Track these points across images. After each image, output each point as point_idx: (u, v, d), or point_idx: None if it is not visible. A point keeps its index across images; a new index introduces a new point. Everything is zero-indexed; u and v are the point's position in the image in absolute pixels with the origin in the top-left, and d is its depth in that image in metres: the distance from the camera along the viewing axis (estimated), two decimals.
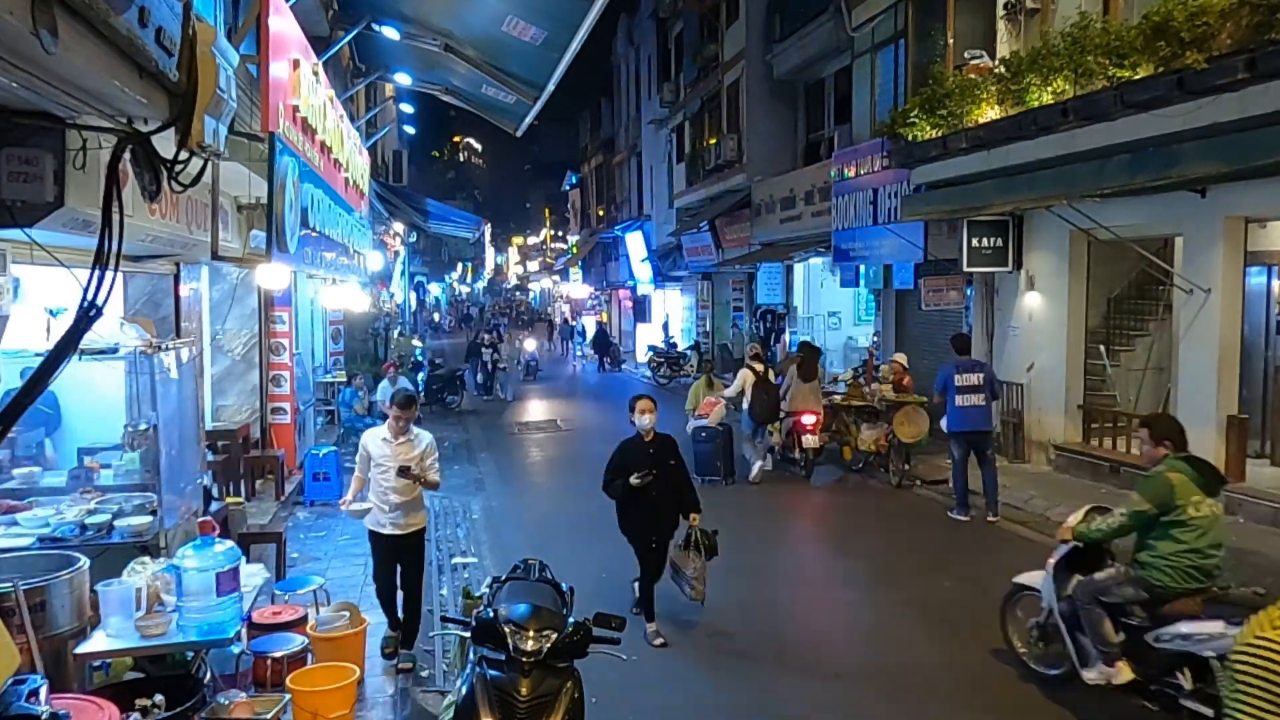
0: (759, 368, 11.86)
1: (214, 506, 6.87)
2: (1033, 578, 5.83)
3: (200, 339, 8.46)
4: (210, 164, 4.04)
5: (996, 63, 10.83)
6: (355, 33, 12.31)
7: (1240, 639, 2.52)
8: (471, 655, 3.86)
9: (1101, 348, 11.46)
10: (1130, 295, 11.64)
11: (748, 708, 5.59)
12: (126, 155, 3.19)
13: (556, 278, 54.30)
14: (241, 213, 7.95)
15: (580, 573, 6.52)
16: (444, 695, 4.95)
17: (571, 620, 3.80)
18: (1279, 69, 6.98)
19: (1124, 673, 4.98)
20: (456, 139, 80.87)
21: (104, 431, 6.57)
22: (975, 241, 11.62)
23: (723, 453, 11.65)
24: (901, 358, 12.35)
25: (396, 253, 22.65)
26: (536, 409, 20.02)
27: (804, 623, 7.00)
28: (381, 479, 5.89)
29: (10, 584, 3.93)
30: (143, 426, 6.01)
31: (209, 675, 4.60)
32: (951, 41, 12.16)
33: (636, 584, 6.81)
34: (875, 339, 16.25)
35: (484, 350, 21.85)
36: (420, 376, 19.53)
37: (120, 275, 4.54)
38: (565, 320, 40.84)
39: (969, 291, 12.84)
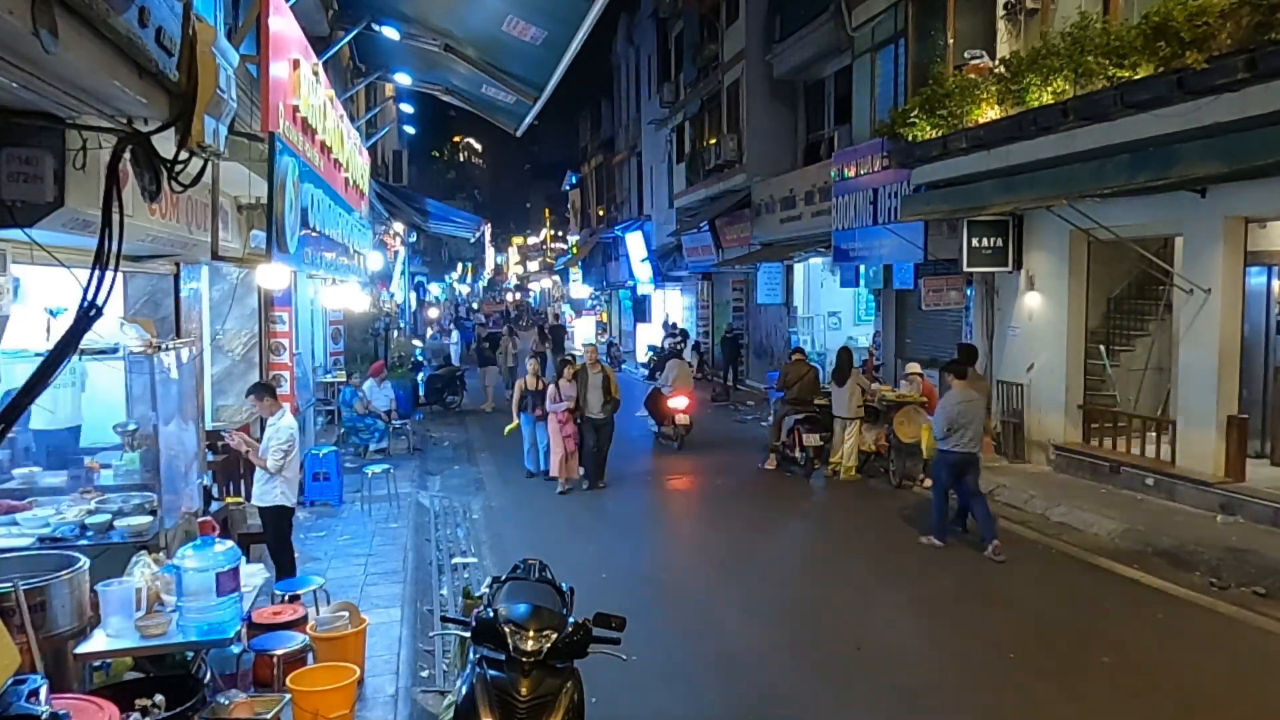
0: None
1: (214, 506, 6.87)
2: None
3: (200, 339, 8.46)
4: (210, 164, 4.04)
5: (996, 63, 10.83)
6: (355, 33, 12.30)
7: None
8: (471, 655, 3.86)
9: (1101, 348, 11.46)
10: (1130, 295, 11.64)
11: (747, 707, 5.59)
12: (126, 155, 3.19)
13: (557, 278, 54.28)
14: (241, 213, 7.95)
15: (580, 573, 6.53)
16: (444, 695, 4.95)
17: (571, 620, 3.79)
18: (1279, 69, 6.98)
19: None
20: (456, 139, 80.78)
21: (104, 431, 6.57)
22: (975, 241, 11.62)
23: None
24: (916, 367, 12.18)
25: (396, 253, 22.63)
26: None
27: (804, 622, 6.99)
28: None
29: (10, 584, 3.93)
30: (131, 426, 6.01)
31: (209, 675, 4.59)
32: (951, 41, 12.16)
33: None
34: (876, 339, 16.25)
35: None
36: (420, 376, 19.51)
37: (120, 275, 4.54)
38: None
39: (969, 291, 12.84)
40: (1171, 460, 9.76)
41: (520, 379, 12.57)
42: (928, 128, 11.41)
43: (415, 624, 6.72)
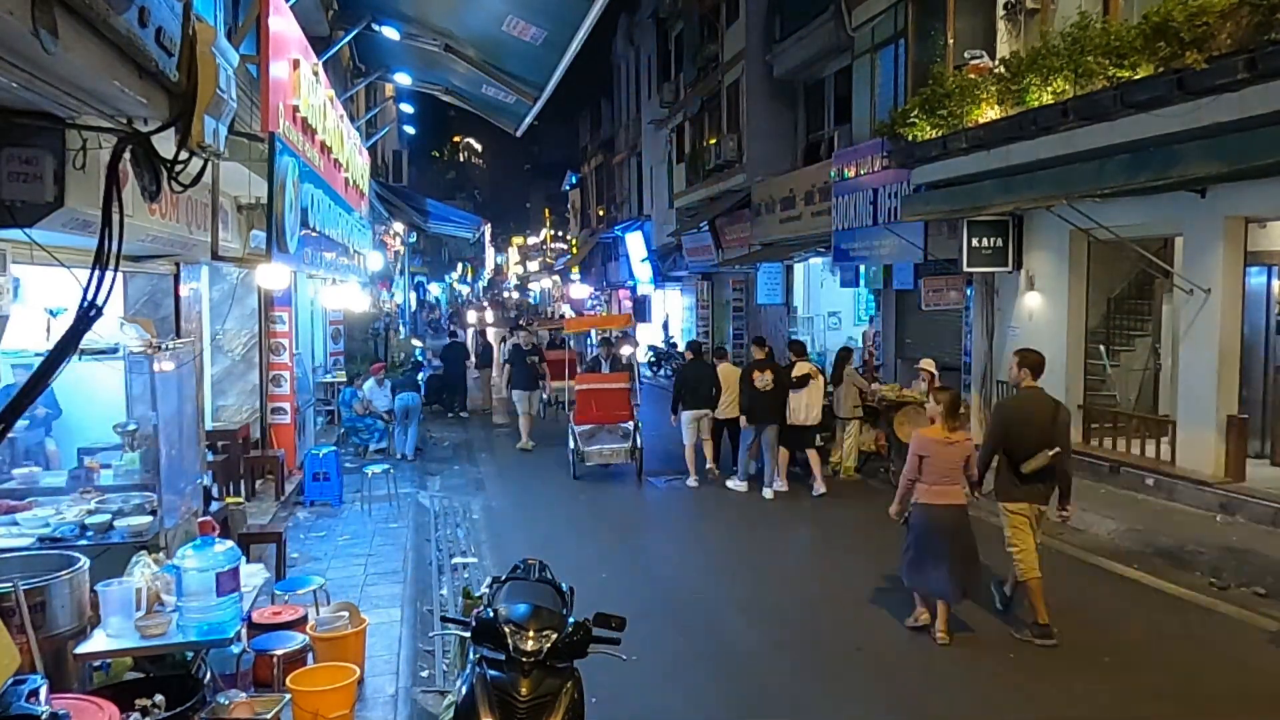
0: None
1: (214, 506, 6.86)
2: None
3: (200, 339, 8.46)
4: (210, 164, 4.04)
5: (996, 63, 10.83)
6: (355, 33, 12.31)
7: None
8: (471, 655, 3.86)
9: (1101, 348, 11.46)
10: (1130, 295, 11.64)
11: (747, 707, 5.59)
12: (126, 155, 3.19)
13: (557, 278, 54.29)
14: (241, 213, 7.95)
15: (580, 573, 6.53)
16: (444, 695, 4.95)
17: (571, 620, 3.79)
18: (1279, 69, 6.98)
19: None
20: (456, 139, 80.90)
21: (104, 431, 6.57)
22: (975, 241, 11.61)
23: None
24: (929, 363, 11.62)
25: (396, 253, 22.63)
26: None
27: (805, 622, 6.99)
28: None
29: (10, 584, 3.93)
30: (131, 426, 6.01)
31: (209, 675, 4.59)
32: (951, 41, 12.16)
33: None
34: (875, 336, 16.19)
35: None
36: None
37: (120, 275, 4.54)
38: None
39: (969, 291, 12.84)
40: (1171, 460, 9.76)
41: None
42: (928, 128, 11.41)
43: (415, 624, 6.73)
